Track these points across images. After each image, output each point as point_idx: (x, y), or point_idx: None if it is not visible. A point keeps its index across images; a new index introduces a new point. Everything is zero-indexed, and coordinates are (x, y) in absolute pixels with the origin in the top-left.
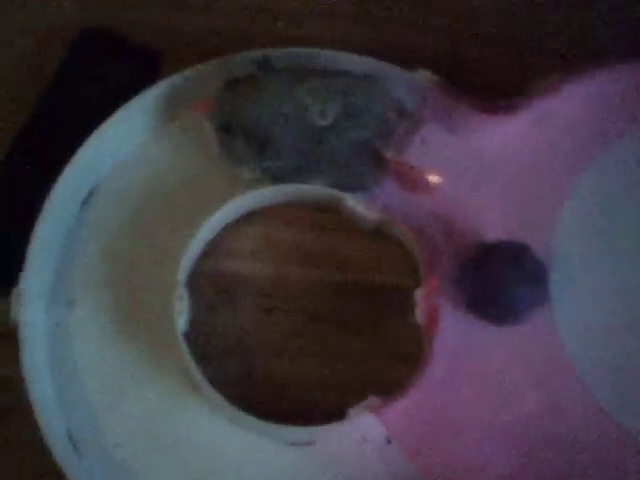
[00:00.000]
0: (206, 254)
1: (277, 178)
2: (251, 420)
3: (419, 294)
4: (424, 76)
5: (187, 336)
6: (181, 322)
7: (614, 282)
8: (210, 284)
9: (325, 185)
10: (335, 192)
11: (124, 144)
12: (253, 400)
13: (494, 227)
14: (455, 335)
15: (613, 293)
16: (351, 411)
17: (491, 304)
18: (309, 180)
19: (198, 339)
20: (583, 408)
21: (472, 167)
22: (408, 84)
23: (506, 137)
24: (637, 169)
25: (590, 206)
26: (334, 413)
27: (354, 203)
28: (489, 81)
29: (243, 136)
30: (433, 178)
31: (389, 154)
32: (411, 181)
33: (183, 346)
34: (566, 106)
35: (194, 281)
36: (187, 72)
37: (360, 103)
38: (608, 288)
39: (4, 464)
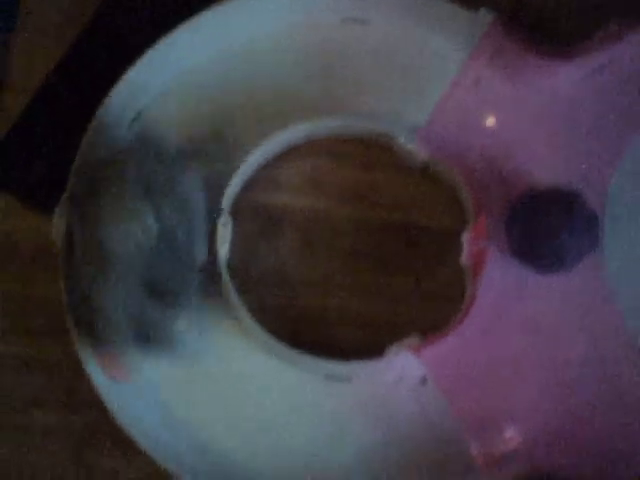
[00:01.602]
0: (251, 185)
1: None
2: (288, 351)
3: (466, 237)
4: (484, 15)
5: (227, 264)
6: (224, 249)
7: None
8: (253, 215)
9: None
10: (387, 129)
11: (173, 68)
12: (290, 333)
13: (546, 173)
14: (500, 279)
15: None
16: (391, 349)
17: (538, 251)
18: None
19: (238, 268)
20: (629, 356)
21: (526, 111)
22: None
23: (563, 83)
24: None
25: None
26: (372, 351)
27: (406, 141)
28: (550, 26)
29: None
30: (485, 120)
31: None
32: None
33: (225, 273)
34: (624, 56)
35: (237, 211)
36: None
37: None
38: None
39: (41, 384)
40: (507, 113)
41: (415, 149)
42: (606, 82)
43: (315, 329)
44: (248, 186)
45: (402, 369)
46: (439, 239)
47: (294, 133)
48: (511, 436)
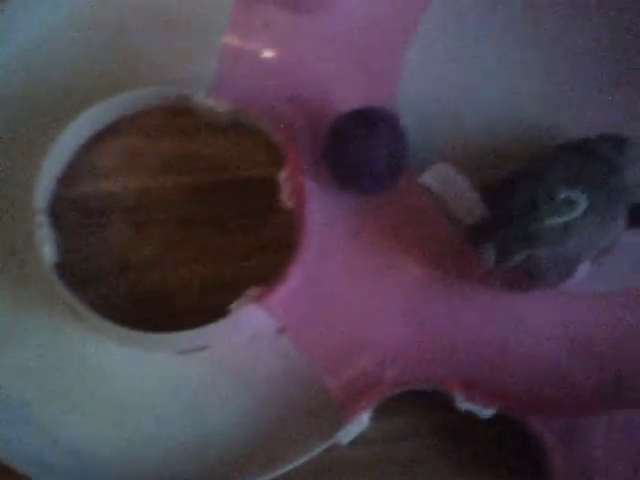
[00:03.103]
0: (67, 178)
1: None
2: (138, 335)
3: (283, 176)
4: None
5: (61, 265)
6: (48, 251)
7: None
8: (76, 208)
9: None
10: (182, 89)
11: None
12: (141, 317)
13: (345, 97)
14: (325, 211)
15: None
16: (233, 305)
17: (354, 177)
18: None
19: (74, 266)
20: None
21: (317, 43)
22: None
23: (349, 7)
24: None
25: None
26: (222, 314)
27: (203, 98)
28: None
29: None
30: (273, 56)
31: None
32: None
33: (53, 276)
34: None
35: (59, 208)
36: None
37: None
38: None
39: None
40: (299, 49)
41: (214, 103)
42: None
43: (163, 307)
44: (62, 179)
45: (252, 324)
46: (267, 187)
47: (92, 115)
48: (363, 364)
